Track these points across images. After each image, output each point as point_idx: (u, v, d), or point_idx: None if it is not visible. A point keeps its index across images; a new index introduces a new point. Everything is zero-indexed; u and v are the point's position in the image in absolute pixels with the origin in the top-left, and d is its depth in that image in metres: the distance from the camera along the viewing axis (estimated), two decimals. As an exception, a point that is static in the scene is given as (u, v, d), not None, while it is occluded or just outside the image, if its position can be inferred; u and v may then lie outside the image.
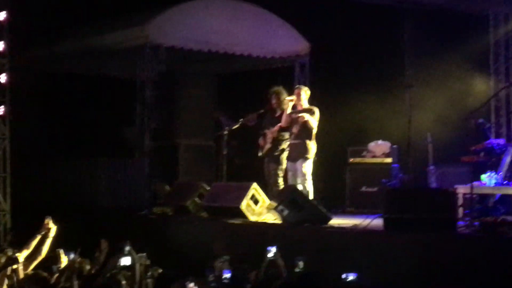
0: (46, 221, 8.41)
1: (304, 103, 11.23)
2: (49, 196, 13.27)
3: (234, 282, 7.75)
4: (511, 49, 15.12)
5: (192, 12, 13.11)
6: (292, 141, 11.16)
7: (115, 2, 14.07)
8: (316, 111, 11.09)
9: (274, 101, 11.56)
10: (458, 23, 15.43)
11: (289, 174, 11.16)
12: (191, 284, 7.01)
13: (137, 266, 7.76)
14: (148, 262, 8.05)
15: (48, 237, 8.39)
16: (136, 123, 12.89)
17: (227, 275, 7.67)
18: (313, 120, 10.97)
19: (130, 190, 12.96)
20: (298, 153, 10.99)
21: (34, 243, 8.33)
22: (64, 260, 8.18)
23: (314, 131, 11.02)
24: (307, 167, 10.94)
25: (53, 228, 8.42)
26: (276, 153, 11.43)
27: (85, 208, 13.13)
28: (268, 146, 11.51)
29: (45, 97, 14.77)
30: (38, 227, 8.46)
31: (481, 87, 14.94)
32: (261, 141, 11.67)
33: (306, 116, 10.94)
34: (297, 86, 11.65)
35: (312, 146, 10.97)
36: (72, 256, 8.18)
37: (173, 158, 12.55)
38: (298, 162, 10.96)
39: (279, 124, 11.39)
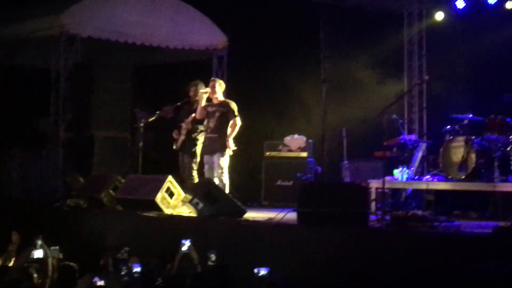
0: None
1: (219, 96, 11.24)
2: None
3: (144, 275, 7.72)
4: (424, 47, 15.44)
5: (109, 2, 12.97)
6: (209, 135, 11.15)
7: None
8: (232, 104, 11.11)
9: (191, 93, 11.54)
10: (373, 20, 15.69)
11: (206, 167, 11.15)
12: (99, 280, 6.96)
13: (50, 260, 7.66)
14: (61, 255, 7.97)
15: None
16: (51, 114, 12.69)
17: (137, 269, 7.63)
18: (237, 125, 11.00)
19: (43, 182, 12.77)
20: (215, 147, 10.99)
21: None
22: None
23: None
24: (225, 160, 10.96)
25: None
26: (191, 146, 11.42)
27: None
28: (182, 138, 11.50)
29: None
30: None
31: (395, 83, 15.25)
32: (175, 134, 11.65)
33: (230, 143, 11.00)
34: (212, 78, 11.63)
35: (230, 140, 11.00)
36: None
37: (88, 150, 12.40)
38: (215, 156, 10.96)
39: (193, 115, 11.36)
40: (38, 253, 7.66)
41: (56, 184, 12.50)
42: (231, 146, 10.94)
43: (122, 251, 8.26)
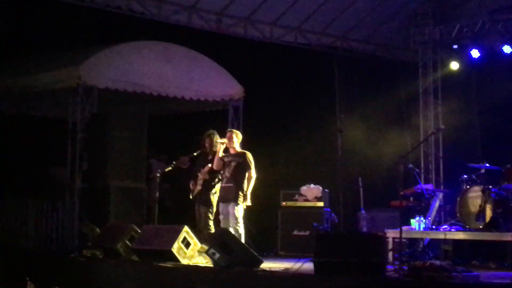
0: None
1: (236, 146, 11.26)
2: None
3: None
4: (440, 96, 15.46)
5: (125, 54, 13.07)
6: (224, 184, 11.16)
7: (46, 41, 13.94)
8: (249, 155, 11.13)
9: (207, 144, 11.56)
10: (388, 69, 15.80)
11: (221, 217, 11.14)
12: None
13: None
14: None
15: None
16: (67, 164, 12.74)
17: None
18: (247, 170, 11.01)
19: (59, 232, 12.75)
20: (230, 197, 10.99)
21: None
22: None
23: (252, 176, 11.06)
24: (239, 210, 10.95)
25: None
26: (207, 196, 11.41)
27: (12, 249, 12.84)
28: (198, 188, 11.49)
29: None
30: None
31: (411, 132, 15.26)
32: (192, 184, 11.65)
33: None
34: (229, 129, 11.68)
35: (244, 189, 10.98)
36: None
37: (103, 200, 12.39)
38: (230, 206, 10.96)
39: (209, 166, 11.38)
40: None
41: (71, 234, 12.49)
42: (248, 202, 10.96)
43: None
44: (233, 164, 11.12)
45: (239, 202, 10.91)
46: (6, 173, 14.16)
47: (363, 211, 13.57)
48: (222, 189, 11.23)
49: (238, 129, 12.63)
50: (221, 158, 11.22)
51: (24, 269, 11.38)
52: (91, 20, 13.88)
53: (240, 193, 10.93)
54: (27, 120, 14.87)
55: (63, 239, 12.66)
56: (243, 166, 11.03)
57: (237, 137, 11.31)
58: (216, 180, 11.38)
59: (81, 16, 13.74)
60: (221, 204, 11.17)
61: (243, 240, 10.71)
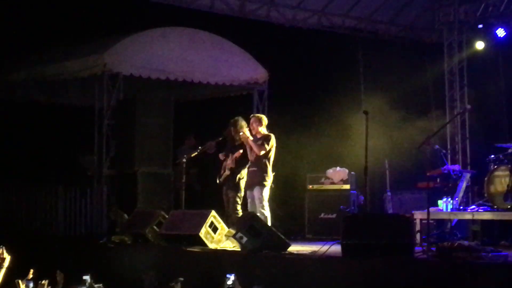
0: (0, 250, 8.26)
1: (262, 130, 11.27)
2: (3, 225, 13.12)
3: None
4: (466, 77, 15.37)
5: (150, 40, 13.14)
6: (249, 169, 11.21)
7: (71, 30, 14.03)
8: (272, 137, 11.14)
9: (232, 130, 11.56)
10: (413, 51, 15.71)
11: (248, 201, 11.19)
12: None
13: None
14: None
15: (2, 267, 8.24)
16: (95, 151, 12.84)
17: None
18: (257, 147, 10.99)
19: (88, 219, 12.87)
20: (255, 181, 11.03)
21: None
22: None
23: (270, 157, 11.05)
24: (265, 193, 10.98)
25: (7, 258, 8.26)
26: (234, 181, 11.44)
27: (41, 237, 12.99)
28: (227, 173, 11.53)
29: (1, 126, 14.64)
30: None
31: (437, 113, 15.18)
32: (222, 155, 11.64)
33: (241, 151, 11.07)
34: (252, 114, 11.69)
35: (268, 172, 11.00)
36: (31, 285, 8.08)
37: (131, 186, 12.48)
38: (255, 189, 11.00)
39: (240, 151, 11.39)
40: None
41: (100, 221, 12.61)
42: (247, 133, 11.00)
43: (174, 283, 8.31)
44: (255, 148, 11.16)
45: (265, 184, 10.94)
46: (35, 161, 14.32)
47: (389, 193, 13.56)
48: (247, 173, 11.27)
49: (263, 114, 12.65)
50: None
51: (53, 255, 11.51)
52: (116, 8, 13.94)
53: (264, 175, 10.96)
54: (55, 108, 15.01)
55: (92, 226, 12.79)
56: (263, 147, 11.03)
57: (261, 122, 11.30)
58: (244, 165, 11.39)
59: (106, 3, 13.80)
60: (247, 190, 11.21)
61: (269, 223, 10.75)
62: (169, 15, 13.92)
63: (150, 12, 13.94)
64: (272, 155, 11.12)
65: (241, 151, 11.38)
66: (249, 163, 11.19)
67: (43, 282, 8.13)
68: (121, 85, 12.62)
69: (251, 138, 11.19)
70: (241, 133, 11.20)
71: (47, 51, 14.11)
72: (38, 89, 14.76)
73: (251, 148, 11.16)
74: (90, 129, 13.03)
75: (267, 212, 10.93)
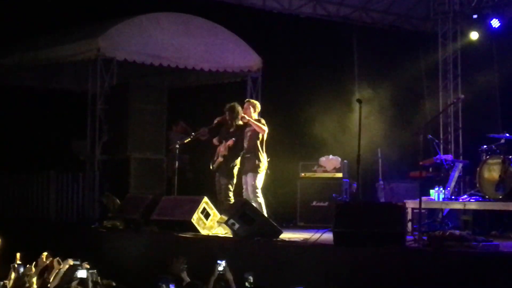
0: None
1: (254, 116, 11.25)
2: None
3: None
4: (459, 67, 15.37)
5: (144, 25, 13.11)
6: (244, 155, 11.18)
7: (65, 14, 13.98)
8: (262, 120, 11.12)
9: (228, 116, 11.53)
10: (407, 40, 15.70)
11: (244, 188, 11.18)
12: None
13: (90, 283, 7.72)
14: (98, 279, 8.01)
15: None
16: (87, 136, 12.82)
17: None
18: (260, 127, 10.95)
19: (80, 204, 12.87)
20: (249, 167, 11.02)
21: None
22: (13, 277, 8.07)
23: (263, 143, 11.03)
24: (258, 180, 10.97)
25: (-2, 241, 8.27)
26: (228, 168, 11.42)
27: (34, 221, 12.98)
28: (219, 160, 11.50)
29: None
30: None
31: (430, 103, 15.19)
32: (216, 140, 11.60)
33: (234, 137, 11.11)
34: (246, 100, 11.67)
35: (261, 159, 10.99)
36: (21, 269, 8.09)
37: (124, 171, 12.47)
38: (249, 176, 10.99)
39: (233, 140, 11.34)
40: (81, 273, 7.72)
41: (92, 205, 12.61)
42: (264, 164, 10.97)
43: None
44: (249, 134, 11.14)
45: (258, 171, 10.93)
46: (27, 146, 14.29)
47: (381, 182, 13.59)
48: (242, 159, 11.25)
49: (257, 100, 12.63)
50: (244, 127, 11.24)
51: (45, 240, 11.50)
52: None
53: (258, 162, 10.94)
54: (47, 93, 14.97)
55: (84, 210, 12.80)
56: (256, 132, 11.02)
57: (255, 108, 11.28)
58: (238, 152, 11.36)
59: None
60: (243, 176, 11.20)
61: (264, 210, 10.76)
62: (164, 1, 13.88)
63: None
64: (264, 140, 11.10)
65: (234, 139, 11.35)
66: (244, 150, 11.17)
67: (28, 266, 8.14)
68: (114, 70, 12.61)
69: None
70: (244, 115, 11.11)
71: (40, 35, 14.06)
72: (31, 73, 14.72)
73: (252, 131, 11.06)
74: (83, 114, 13.01)
75: (260, 199, 10.92)
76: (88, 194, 12.67)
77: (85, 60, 12.82)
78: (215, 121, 11.60)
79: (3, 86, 14.59)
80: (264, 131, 10.96)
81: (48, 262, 8.51)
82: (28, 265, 8.17)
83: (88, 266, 8.17)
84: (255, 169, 10.95)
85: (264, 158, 11.00)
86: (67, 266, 8.28)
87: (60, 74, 14.96)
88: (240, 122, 11.28)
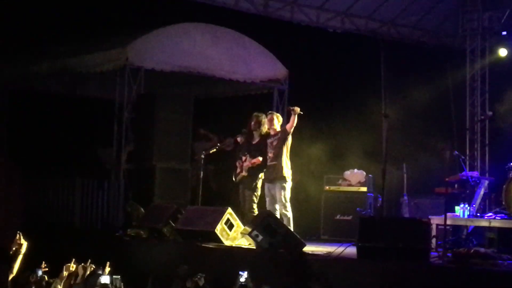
0: (17, 236, 8.32)
1: (277, 128, 11.29)
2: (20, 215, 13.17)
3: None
4: (487, 83, 15.29)
5: (172, 35, 13.17)
6: (269, 163, 11.18)
7: (94, 23, 14.10)
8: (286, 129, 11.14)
9: (252, 124, 11.54)
10: (435, 56, 15.64)
11: (267, 199, 11.18)
12: None
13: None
14: (122, 285, 8.04)
15: (20, 253, 8.29)
16: (113, 144, 12.88)
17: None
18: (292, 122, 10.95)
19: (105, 211, 12.92)
20: (275, 176, 11.01)
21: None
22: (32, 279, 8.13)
23: (288, 152, 11.04)
24: (287, 192, 10.96)
25: (24, 244, 8.32)
26: (252, 181, 11.42)
27: (59, 227, 13.05)
28: (243, 174, 11.50)
29: (21, 116, 14.73)
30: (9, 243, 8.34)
31: (457, 119, 15.10)
32: (239, 163, 11.63)
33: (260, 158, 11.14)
34: (270, 112, 11.70)
35: (287, 167, 10.98)
36: (40, 272, 8.14)
37: (149, 180, 12.51)
38: (276, 189, 10.97)
39: (259, 159, 11.33)
40: (105, 279, 7.76)
41: (117, 213, 12.65)
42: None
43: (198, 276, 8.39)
44: (274, 143, 11.16)
45: (285, 180, 10.90)
46: (55, 152, 14.39)
47: (405, 197, 13.52)
48: (267, 168, 11.25)
49: (282, 113, 12.65)
50: (265, 139, 11.25)
51: (69, 247, 11.56)
52: (139, 2, 14.00)
53: (284, 170, 10.93)
54: (75, 101, 15.07)
55: (109, 218, 12.84)
56: (283, 140, 11.03)
57: (278, 119, 11.37)
58: (262, 168, 11.36)
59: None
60: (266, 185, 11.20)
61: (291, 224, 10.74)
62: (193, 11, 13.95)
63: (173, 7, 13.98)
64: (289, 150, 11.11)
65: (260, 158, 11.33)
66: (269, 159, 11.17)
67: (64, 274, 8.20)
68: (142, 79, 12.66)
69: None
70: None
71: (69, 43, 14.18)
72: (60, 80, 14.82)
73: (278, 140, 11.05)
74: (109, 122, 13.07)
75: (289, 213, 10.91)
76: (113, 202, 12.71)
77: (113, 68, 12.89)
78: (239, 139, 11.66)
79: (32, 93, 14.72)
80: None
81: (73, 269, 8.56)
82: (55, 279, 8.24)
83: (109, 269, 8.20)
84: (281, 179, 10.93)
85: (289, 167, 11.00)
86: (88, 271, 8.33)
87: (88, 82, 15.06)
88: (264, 131, 11.31)
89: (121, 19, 13.99)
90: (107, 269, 8.19)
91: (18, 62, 14.50)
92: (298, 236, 9.89)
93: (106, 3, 13.94)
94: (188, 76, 13.30)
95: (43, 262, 8.50)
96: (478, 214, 11.66)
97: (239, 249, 10.18)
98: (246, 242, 10.31)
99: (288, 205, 10.94)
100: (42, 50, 14.37)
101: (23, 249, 8.30)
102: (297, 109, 10.83)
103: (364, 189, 13.22)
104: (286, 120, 11.64)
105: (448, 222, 10.19)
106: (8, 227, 8.86)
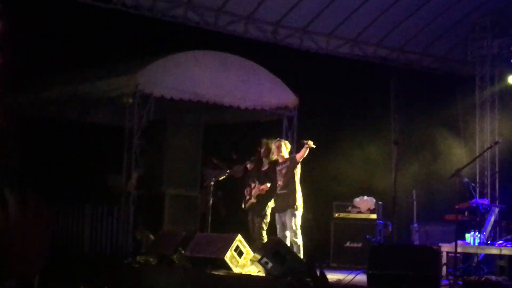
0: None
1: (285, 155, 11.30)
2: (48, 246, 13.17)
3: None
4: (497, 110, 15.29)
5: (182, 62, 13.21)
6: (279, 192, 11.18)
7: (105, 50, 14.17)
8: (295, 156, 11.13)
9: (262, 151, 11.56)
10: (444, 82, 15.69)
11: (278, 226, 11.16)
12: None
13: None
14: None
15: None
16: (123, 171, 12.88)
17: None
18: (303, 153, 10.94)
19: (114, 238, 12.90)
20: (286, 204, 10.99)
21: None
22: None
23: (298, 180, 11.04)
24: (297, 221, 10.94)
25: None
26: (261, 208, 11.42)
27: (67, 254, 13.03)
28: (252, 201, 11.51)
29: (31, 143, 14.77)
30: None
31: (466, 146, 15.10)
32: (247, 191, 11.66)
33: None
34: (278, 139, 11.71)
35: (298, 195, 10.97)
36: None
37: (158, 207, 12.51)
38: (287, 217, 10.94)
39: (267, 185, 11.36)
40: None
41: (126, 240, 12.63)
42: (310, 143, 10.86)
43: None
44: (283, 171, 11.17)
45: (296, 208, 10.89)
46: (64, 178, 14.41)
47: (415, 225, 13.48)
48: (276, 197, 11.25)
49: (292, 140, 12.67)
50: (274, 166, 11.25)
51: (78, 273, 11.54)
52: (149, 30, 14.08)
53: (294, 199, 10.92)
54: (85, 127, 15.12)
55: (118, 245, 12.81)
56: (292, 169, 11.03)
57: (286, 146, 11.38)
58: (272, 194, 11.36)
59: (139, 25, 13.94)
60: (276, 214, 11.19)
61: (301, 252, 10.71)
62: (202, 39, 14.03)
63: (183, 35, 14.05)
64: (299, 177, 11.10)
65: (268, 184, 11.35)
66: (279, 187, 11.17)
67: None
68: (152, 106, 12.68)
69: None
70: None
71: (80, 70, 14.24)
72: (69, 107, 14.87)
73: (287, 168, 11.06)
74: (119, 148, 13.10)
75: (299, 240, 10.88)
76: (122, 228, 12.70)
77: (123, 95, 12.93)
78: (249, 165, 11.68)
79: (41, 119, 14.77)
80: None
81: None
82: None
83: None
84: (292, 207, 10.92)
85: (300, 195, 10.99)
86: None
87: (98, 109, 15.12)
88: (273, 159, 11.33)
89: (131, 46, 14.05)
90: None
91: (30, 89, 14.57)
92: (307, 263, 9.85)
93: (117, 30, 14.01)
94: (197, 103, 13.33)
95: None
96: (489, 242, 11.61)
97: (249, 276, 10.15)
98: (255, 269, 10.28)
99: (299, 232, 10.92)
100: (53, 77, 14.44)
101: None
102: (310, 143, 10.81)
103: (374, 216, 13.18)
104: (296, 148, 11.63)
105: (459, 249, 10.15)
106: (36, 260, 8.90)
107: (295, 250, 10.46)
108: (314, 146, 10.79)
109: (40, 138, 14.57)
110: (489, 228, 11.96)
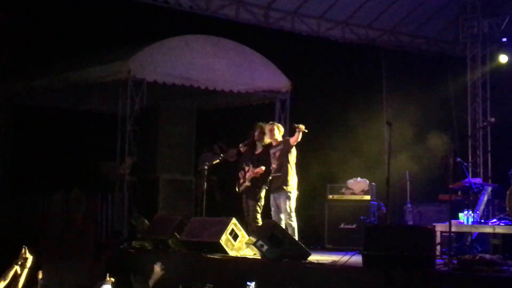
0: (22, 251, 8.32)
1: (278, 138, 11.30)
2: (24, 227, 13.20)
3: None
4: (488, 90, 15.34)
5: (174, 48, 13.21)
6: (273, 174, 11.21)
7: (96, 37, 14.14)
8: (289, 139, 11.15)
9: (256, 134, 11.58)
10: (436, 63, 15.71)
11: (272, 209, 11.19)
12: None
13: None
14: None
15: (25, 267, 8.29)
16: (117, 157, 12.89)
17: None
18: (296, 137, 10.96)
19: (109, 224, 12.92)
20: (279, 186, 11.02)
21: (11, 273, 8.21)
22: None
23: (293, 162, 11.06)
24: (292, 202, 10.97)
25: (29, 258, 8.31)
26: (255, 191, 11.45)
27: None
28: (246, 184, 11.53)
29: (24, 131, 14.77)
30: (14, 257, 8.34)
31: (459, 126, 15.15)
32: (241, 174, 11.67)
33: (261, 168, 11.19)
34: (271, 122, 11.71)
35: (291, 177, 11.00)
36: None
37: (153, 192, 12.54)
38: (281, 199, 10.96)
39: (262, 168, 11.38)
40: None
41: (121, 226, 12.66)
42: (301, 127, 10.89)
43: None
44: (277, 154, 11.17)
45: (289, 190, 10.92)
46: (58, 166, 14.42)
47: (409, 205, 13.53)
48: (271, 179, 11.27)
49: (285, 123, 12.69)
50: (268, 149, 11.28)
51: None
52: (140, 15, 14.06)
53: (288, 181, 10.95)
54: (78, 114, 15.11)
55: (113, 231, 12.83)
56: (286, 151, 11.05)
57: (279, 130, 11.38)
58: (266, 177, 11.39)
59: (131, 11, 13.91)
60: (271, 195, 11.20)
61: (296, 234, 10.75)
62: (194, 23, 14.01)
63: (175, 20, 14.03)
64: (294, 160, 11.13)
65: (263, 168, 11.37)
66: (273, 170, 11.19)
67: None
68: (145, 91, 12.69)
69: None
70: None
71: (71, 57, 14.23)
72: (62, 95, 14.86)
73: (281, 151, 11.07)
74: (112, 135, 13.11)
75: (294, 223, 10.90)
76: (117, 214, 12.72)
77: (115, 81, 12.92)
78: (242, 148, 11.70)
79: (34, 108, 14.76)
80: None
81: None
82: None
83: (112, 280, 8.20)
84: (286, 189, 10.93)
85: (294, 177, 11.01)
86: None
87: (91, 96, 15.11)
88: (267, 142, 11.35)
89: (123, 32, 14.03)
90: (111, 280, 8.19)
91: (21, 77, 14.55)
92: (303, 245, 9.90)
93: (108, 16, 13.98)
94: (190, 88, 13.33)
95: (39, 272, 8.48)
96: (482, 221, 11.68)
97: (244, 259, 10.19)
98: (251, 252, 10.32)
99: (293, 215, 10.95)
100: (45, 65, 14.42)
101: (29, 263, 8.31)
102: (302, 127, 10.82)
103: (368, 197, 13.24)
104: (289, 131, 11.65)
105: (453, 229, 10.19)
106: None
107: (290, 232, 10.49)
108: (306, 131, 10.80)
109: (33, 127, 14.56)
110: (482, 207, 12.02)
